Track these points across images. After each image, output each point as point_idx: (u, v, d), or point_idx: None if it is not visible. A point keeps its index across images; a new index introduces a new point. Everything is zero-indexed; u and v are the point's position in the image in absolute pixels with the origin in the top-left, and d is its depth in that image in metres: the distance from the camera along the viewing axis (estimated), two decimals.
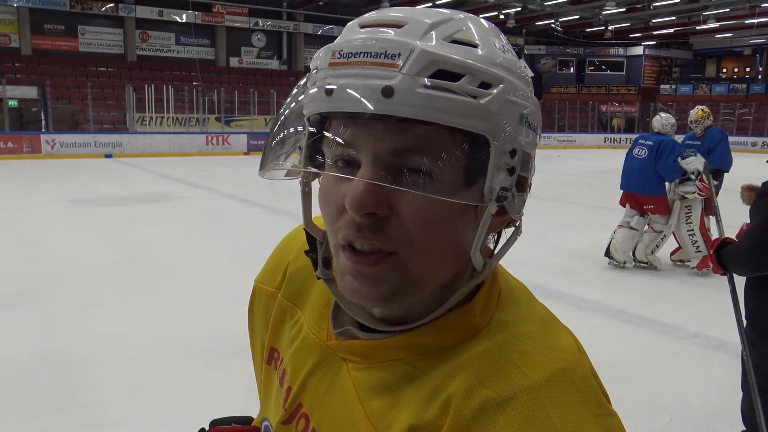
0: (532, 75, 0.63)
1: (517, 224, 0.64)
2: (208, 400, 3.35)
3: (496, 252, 0.65)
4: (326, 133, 0.58)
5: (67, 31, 27.95)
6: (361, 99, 0.53)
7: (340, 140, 0.56)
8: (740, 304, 2.78)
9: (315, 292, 0.75)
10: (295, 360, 0.72)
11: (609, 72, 41.36)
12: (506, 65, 0.58)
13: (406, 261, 0.57)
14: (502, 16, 32.32)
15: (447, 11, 0.59)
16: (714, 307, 5.40)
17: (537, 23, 36.38)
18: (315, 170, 0.61)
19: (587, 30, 38.95)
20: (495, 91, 0.55)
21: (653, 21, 35.12)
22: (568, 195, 12.65)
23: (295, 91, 0.62)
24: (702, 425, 3.36)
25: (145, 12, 28.71)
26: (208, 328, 4.43)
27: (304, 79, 0.60)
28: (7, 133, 21.70)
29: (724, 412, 3.47)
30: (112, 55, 29.03)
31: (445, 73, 0.53)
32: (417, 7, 0.58)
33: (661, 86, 40.59)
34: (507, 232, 0.66)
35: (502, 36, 0.61)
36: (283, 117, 0.62)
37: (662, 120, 6.51)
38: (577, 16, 34.40)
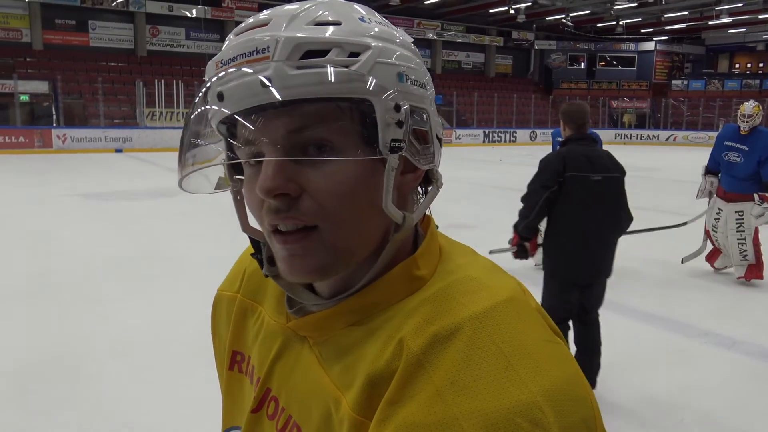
0: (412, 40, 0.69)
1: (436, 179, 0.69)
2: (219, 395, 3.35)
3: (418, 206, 0.68)
4: (230, 140, 0.63)
5: (77, 26, 28.08)
6: (245, 95, 0.58)
7: (240, 142, 0.62)
8: None
9: (272, 286, 0.78)
10: (260, 350, 0.75)
11: (620, 67, 41.10)
12: (372, 34, 0.62)
13: (328, 233, 0.61)
14: (512, 11, 32.18)
15: (306, 2, 0.63)
16: (725, 304, 5.36)
17: (547, 18, 36.17)
18: (228, 162, 0.66)
19: (598, 25, 38.71)
20: (364, 57, 0.59)
21: (665, 16, 34.83)
22: None
23: (193, 106, 0.65)
24: (713, 425, 3.33)
25: (155, 7, 28.79)
26: None
27: (199, 94, 0.64)
28: (19, 127, 21.87)
29: (737, 412, 3.44)
30: (122, 50, 29.15)
31: (315, 53, 0.58)
32: (279, 7, 0.62)
33: (673, 82, 40.28)
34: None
35: (364, 9, 0.65)
36: (189, 130, 0.65)
37: None
38: (588, 11, 34.19)
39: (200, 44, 30.27)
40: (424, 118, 0.64)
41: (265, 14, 0.62)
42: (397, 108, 0.60)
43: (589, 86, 40.24)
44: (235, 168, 0.68)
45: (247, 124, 0.60)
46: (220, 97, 0.59)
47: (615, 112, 39.12)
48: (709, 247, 6.26)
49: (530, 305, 0.62)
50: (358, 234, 0.62)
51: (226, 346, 0.83)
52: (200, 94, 0.63)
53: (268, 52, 0.57)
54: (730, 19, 32.58)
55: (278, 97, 0.57)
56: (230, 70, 0.59)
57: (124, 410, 3.37)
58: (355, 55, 0.59)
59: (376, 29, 0.63)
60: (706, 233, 6.21)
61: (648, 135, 35.66)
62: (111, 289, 5.48)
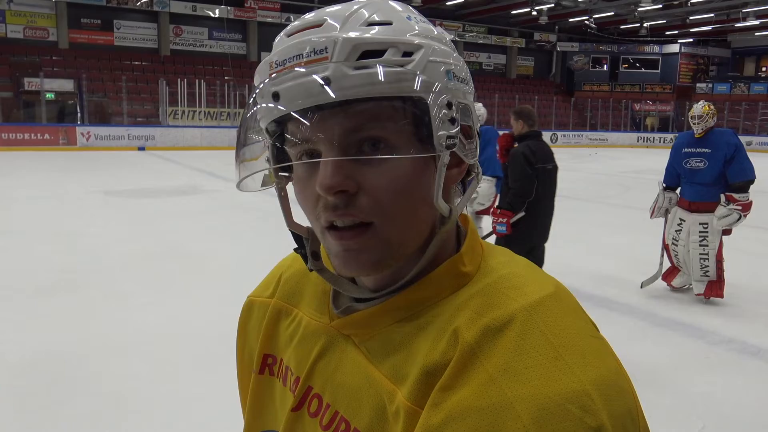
0: (451, 36, 0.70)
1: (475, 172, 0.71)
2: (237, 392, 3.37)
3: (461, 199, 0.71)
4: (287, 136, 0.64)
5: (103, 25, 28.47)
6: (304, 95, 0.59)
7: (295, 140, 0.63)
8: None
9: (310, 289, 0.80)
10: (300, 351, 0.76)
11: (643, 70, 40.62)
12: (421, 33, 0.64)
13: (383, 229, 0.63)
14: (534, 13, 31.98)
15: (353, 3, 0.65)
16: (750, 311, 5.27)
17: (570, 20, 35.88)
18: (282, 165, 0.67)
19: (622, 27, 38.30)
20: (417, 56, 0.61)
21: (690, 18, 34.36)
22: (602, 195, 12.48)
23: (247, 107, 0.67)
24: None
25: (179, 7, 29.08)
26: (236, 321, 4.45)
27: (253, 96, 0.66)
28: (45, 124, 22.21)
29: (760, 420, 3.38)
30: (146, 49, 29.48)
31: (371, 53, 0.60)
32: (327, 7, 0.65)
33: (698, 85, 39.71)
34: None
35: (411, 9, 0.67)
36: (243, 133, 0.67)
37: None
38: (612, 13, 33.86)
39: (222, 44, 30.50)
40: (468, 113, 0.67)
41: (315, 16, 0.64)
42: (449, 105, 0.62)
43: (611, 88, 39.84)
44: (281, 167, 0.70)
45: (305, 122, 0.61)
46: (276, 96, 0.61)
47: (637, 115, 38.69)
48: (667, 263, 5.70)
49: (574, 300, 0.65)
50: (411, 228, 0.65)
51: (256, 350, 0.84)
52: (255, 95, 0.65)
53: (326, 53, 0.59)
54: (757, 22, 32.05)
55: (337, 97, 0.58)
56: (289, 75, 0.60)
57: (138, 404, 3.40)
58: (408, 54, 0.61)
59: (423, 28, 0.65)
60: (665, 248, 5.67)
61: (671, 138, 35.16)
62: (132, 285, 5.54)
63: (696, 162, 5.27)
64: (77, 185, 12.09)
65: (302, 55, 0.60)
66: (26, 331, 4.41)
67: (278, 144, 0.66)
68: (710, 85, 39.25)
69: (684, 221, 5.41)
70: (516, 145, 4.50)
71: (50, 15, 27.22)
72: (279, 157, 0.67)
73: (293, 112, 0.61)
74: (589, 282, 5.81)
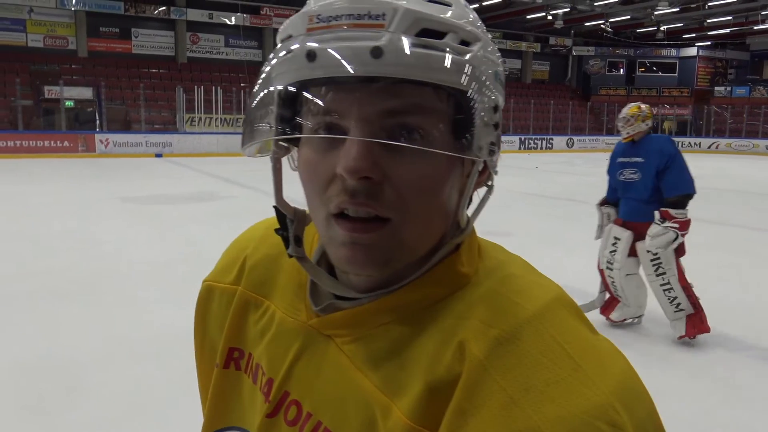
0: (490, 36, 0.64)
1: (489, 183, 0.65)
2: None
3: (474, 210, 0.66)
4: (308, 96, 0.56)
5: (121, 33, 28.86)
6: (348, 61, 0.51)
7: (321, 104, 0.55)
8: None
9: (282, 279, 0.72)
10: (273, 349, 0.69)
11: (660, 73, 40.32)
12: (477, 24, 0.58)
13: (399, 228, 0.57)
14: (549, 17, 31.88)
15: None
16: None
17: (586, 24, 35.74)
18: (311, 135, 0.57)
19: (638, 30, 38.04)
20: (475, 48, 0.55)
21: (708, 21, 34.06)
22: None
23: (267, 63, 0.59)
24: None
25: (195, 15, 29.39)
26: None
27: (283, 45, 0.57)
28: (64, 132, 22.52)
29: None
30: (163, 57, 29.82)
31: (429, 32, 0.53)
32: None
33: (716, 88, 39.33)
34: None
35: None
36: (258, 90, 0.59)
37: None
38: (628, 17, 33.66)
39: (239, 51, 30.75)
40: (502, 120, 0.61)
41: None
42: (495, 109, 0.58)
43: (628, 92, 39.56)
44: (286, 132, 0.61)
45: (341, 92, 0.54)
46: (311, 56, 0.53)
47: (655, 119, 38.36)
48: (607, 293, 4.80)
49: (572, 299, 0.61)
50: (426, 232, 0.59)
51: (220, 342, 0.76)
52: (283, 47, 0.57)
53: (383, 19, 0.52)
54: None
55: (389, 73, 0.51)
56: (331, 34, 0.53)
57: (155, 405, 3.42)
58: (465, 43, 0.55)
59: (478, 21, 0.60)
60: (600, 273, 4.76)
61: (689, 142, 34.86)
62: (149, 291, 5.58)
63: (630, 173, 4.49)
64: (95, 192, 12.22)
65: (354, 15, 0.52)
66: (43, 335, 4.46)
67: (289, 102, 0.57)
68: (729, 89, 38.86)
69: (619, 240, 4.52)
70: None
71: (70, 24, 27.63)
72: (287, 121, 0.58)
73: (334, 78, 0.53)
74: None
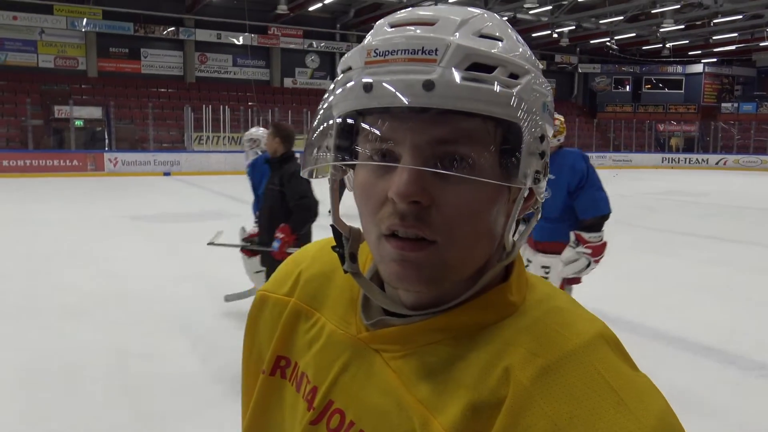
0: (541, 67, 0.67)
1: (536, 207, 0.67)
2: None
3: (520, 235, 0.68)
4: (364, 126, 0.60)
5: (130, 54, 29.18)
6: (402, 93, 0.56)
7: (378, 133, 0.59)
8: None
9: (334, 293, 0.76)
10: (321, 359, 0.72)
11: (667, 90, 40.31)
12: (527, 57, 0.62)
13: (444, 250, 0.60)
14: (555, 35, 32.04)
15: (468, 8, 0.62)
16: None
17: (591, 41, 35.87)
18: (363, 162, 0.62)
19: (644, 48, 38.15)
20: (523, 81, 0.59)
21: (713, 38, 34.13)
22: (627, 217, 12.31)
23: (329, 92, 0.63)
24: None
25: (204, 35, 29.69)
26: None
27: (337, 79, 0.62)
28: (73, 151, 22.72)
29: None
30: (172, 76, 30.10)
31: (479, 66, 0.57)
32: (440, 6, 0.62)
33: (723, 104, 39.28)
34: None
35: (512, 28, 0.65)
36: (320, 117, 0.64)
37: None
38: (634, 34, 33.76)
39: (246, 70, 31.01)
40: (548, 148, 0.64)
41: (428, 12, 0.61)
42: (542, 138, 0.61)
43: (634, 109, 39.58)
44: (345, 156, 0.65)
45: (395, 121, 0.58)
46: (368, 87, 0.57)
47: (662, 136, 38.33)
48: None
49: (615, 336, 0.63)
50: (470, 254, 0.62)
51: (270, 349, 0.80)
52: (344, 78, 0.61)
53: (436, 55, 0.56)
54: None
55: (440, 104, 0.55)
56: (387, 68, 0.57)
57: (171, 421, 3.41)
58: (514, 76, 0.58)
59: (528, 53, 0.63)
60: None
61: (697, 159, 34.78)
62: (158, 308, 5.58)
63: None
64: (104, 210, 12.29)
65: (409, 51, 0.57)
66: (53, 350, 4.46)
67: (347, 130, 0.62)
68: (736, 105, 38.79)
69: (530, 262, 4.14)
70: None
71: (80, 45, 27.98)
72: (345, 147, 0.63)
73: (390, 108, 0.57)
74: (615, 305, 5.72)
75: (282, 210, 4.23)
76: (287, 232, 4.17)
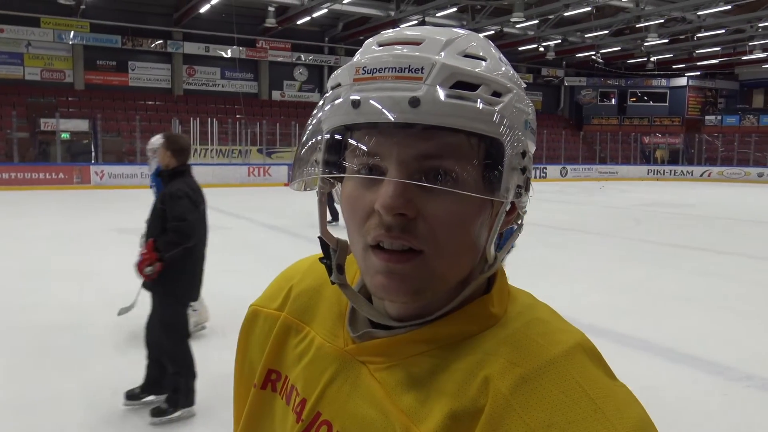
0: (524, 85, 0.70)
1: (519, 222, 0.70)
2: None
3: (502, 247, 0.70)
4: (352, 141, 0.62)
5: (118, 66, 29.08)
6: (389, 109, 0.58)
7: (365, 148, 0.61)
8: None
9: (323, 307, 0.77)
10: (309, 372, 0.73)
11: (651, 103, 40.76)
12: (509, 76, 0.65)
13: (431, 260, 0.61)
14: (541, 49, 32.35)
15: (454, 29, 0.65)
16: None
17: (577, 55, 36.24)
18: (353, 175, 0.63)
19: (629, 61, 38.60)
20: (506, 99, 0.61)
21: (697, 52, 34.60)
22: (614, 228, 12.39)
23: (318, 108, 0.65)
24: None
25: (192, 48, 29.68)
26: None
27: (326, 95, 0.64)
28: (59, 164, 22.53)
29: None
30: (159, 89, 30.02)
31: (463, 84, 0.59)
32: (426, 27, 0.64)
33: (706, 117, 39.77)
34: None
35: (495, 47, 0.67)
36: (309, 132, 0.66)
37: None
38: (619, 48, 34.17)
39: (234, 83, 31.00)
40: (531, 164, 0.66)
41: (415, 32, 0.63)
42: (523, 154, 0.63)
43: (620, 122, 39.97)
44: (333, 170, 0.67)
45: (382, 137, 0.60)
46: (356, 104, 0.59)
47: (647, 148, 38.69)
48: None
49: (594, 346, 0.65)
50: (455, 265, 0.64)
51: (260, 363, 0.81)
52: (333, 94, 0.63)
53: (422, 73, 0.58)
54: (763, 54, 32.24)
55: (425, 120, 0.57)
56: (375, 85, 0.59)
57: None
58: (497, 94, 0.61)
59: (511, 72, 0.66)
60: None
61: (681, 171, 35.13)
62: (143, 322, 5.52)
63: None
64: (91, 223, 12.19)
65: (396, 69, 0.59)
66: (41, 367, 4.40)
67: (336, 144, 0.64)
68: (719, 118, 39.30)
69: None
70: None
71: (67, 58, 27.86)
72: (333, 160, 0.65)
73: (376, 124, 0.59)
74: (604, 317, 5.74)
75: (159, 228, 3.86)
76: (149, 249, 3.78)
